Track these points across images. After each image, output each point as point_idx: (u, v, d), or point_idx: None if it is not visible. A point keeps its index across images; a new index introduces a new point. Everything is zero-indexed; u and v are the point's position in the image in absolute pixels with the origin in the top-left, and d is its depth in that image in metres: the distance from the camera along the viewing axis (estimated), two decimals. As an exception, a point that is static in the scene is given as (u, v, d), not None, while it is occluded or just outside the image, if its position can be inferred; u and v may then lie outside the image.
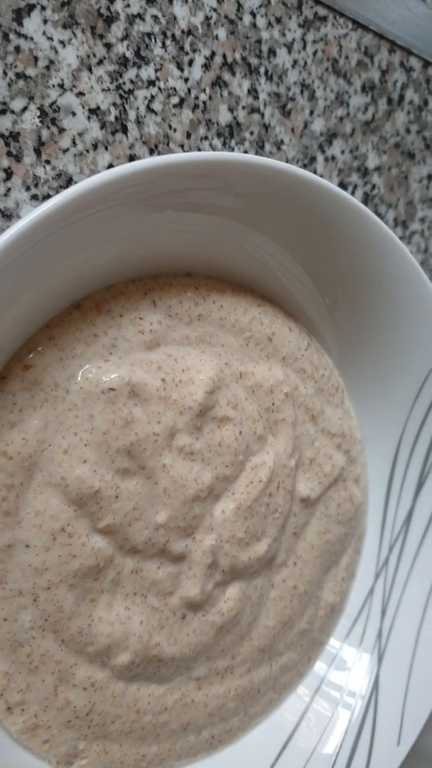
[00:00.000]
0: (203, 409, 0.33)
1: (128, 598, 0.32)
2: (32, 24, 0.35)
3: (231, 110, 0.42)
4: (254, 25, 0.43)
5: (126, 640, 0.32)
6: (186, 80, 0.41)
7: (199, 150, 0.42)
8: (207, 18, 0.41)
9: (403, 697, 0.39)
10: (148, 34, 0.39)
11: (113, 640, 0.32)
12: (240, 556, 0.35)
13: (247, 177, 0.29)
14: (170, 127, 0.40)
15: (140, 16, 0.38)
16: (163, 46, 0.40)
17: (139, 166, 0.26)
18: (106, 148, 0.38)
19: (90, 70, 0.37)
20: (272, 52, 0.44)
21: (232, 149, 0.43)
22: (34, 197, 0.37)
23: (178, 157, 0.27)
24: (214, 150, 0.42)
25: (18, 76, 0.35)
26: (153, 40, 0.39)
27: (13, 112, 0.35)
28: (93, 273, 0.30)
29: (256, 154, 0.44)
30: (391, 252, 0.35)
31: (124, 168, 0.26)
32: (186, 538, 0.33)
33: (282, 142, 0.45)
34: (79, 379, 0.30)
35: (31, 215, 0.25)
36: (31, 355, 0.30)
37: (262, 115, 0.44)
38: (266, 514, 0.36)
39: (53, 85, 0.36)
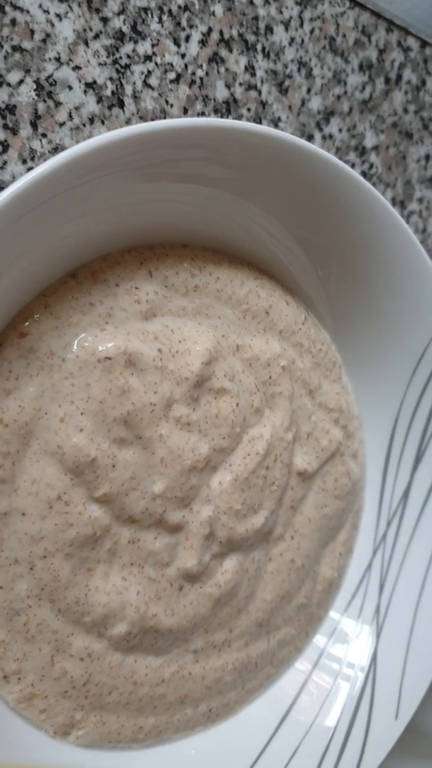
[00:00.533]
0: (200, 380, 0.33)
1: (125, 568, 0.32)
2: (28, -4, 0.35)
3: (228, 87, 0.42)
4: (251, 2, 0.42)
5: (123, 611, 0.32)
6: (183, 56, 0.41)
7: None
8: (204, -6, 0.41)
9: (401, 672, 0.39)
10: (145, 9, 0.39)
11: (110, 610, 0.32)
12: (237, 527, 0.35)
13: (238, 145, 0.29)
14: (167, 102, 0.40)
15: (137, -10, 0.38)
16: (160, 21, 0.39)
17: (128, 132, 0.26)
18: (103, 123, 0.38)
19: (86, 44, 0.37)
20: (269, 29, 0.44)
21: (229, 126, 0.43)
22: (31, 170, 0.36)
23: (169, 122, 0.27)
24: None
25: (14, 48, 0.35)
26: (150, 15, 0.39)
27: (9, 84, 0.35)
28: (88, 242, 0.30)
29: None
30: (388, 224, 0.35)
31: (110, 135, 0.26)
32: (183, 509, 0.33)
33: (279, 119, 0.45)
34: (75, 347, 0.30)
35: (21, 181, 0.25)
36: (26, 323, 0.30)
37: (259, 92, 0.44)
38: (263, 487, 0.36)
39: (50, 59, 0.36)
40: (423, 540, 0.40)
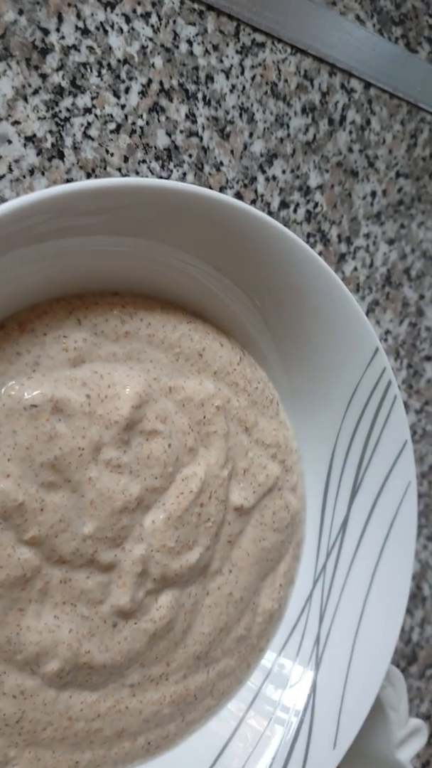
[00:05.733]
0: (130, 423, 0.34)
1: (57, 607, 0.33)
2: (-35, 57, 0.37)
3: (169, 134, 0.44)
4: (191, 53, 0.44)
5: (55, 648, 0.33)
6: (123, 107, 0.42)
7: (137, 173, 0.43)
8: (143, 47, 0.42)
9: (340, 701, 0.40)
10: (84, 64, 0.41)
11: (42, 648, 0.33)
12: (171, 564, 0.36)
13: (154, 200, 0.31)
14: (107, 151, 0.42)
15: (75, 47, 0.40)
16: (99, 75, 0.41)
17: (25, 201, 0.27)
18: (43, 174, 0.40)
19: (25, 99, 0.39)
20: (210, 78, 0.45)
21: (171, 172, 0.44)
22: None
23: (72, 186, 0.28)
24: (152, 172, 0.44)
25: None
26: (89, 70, 0.41)
27: None
28: (16, 292, 0.32)
29: (195, 176, 0.45)
30: (309, 265, 0.36)
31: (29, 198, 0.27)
32: (115, 548, 0.34)
33: (221, 163, 0.46)
34: (1, 396, 0.31)
35: None
36: None
37: (201, 138, 0.45)
38: (198, 524, 0.37)
39: (-12, 115, 0.38)
40: (360, 570, 0.41)
